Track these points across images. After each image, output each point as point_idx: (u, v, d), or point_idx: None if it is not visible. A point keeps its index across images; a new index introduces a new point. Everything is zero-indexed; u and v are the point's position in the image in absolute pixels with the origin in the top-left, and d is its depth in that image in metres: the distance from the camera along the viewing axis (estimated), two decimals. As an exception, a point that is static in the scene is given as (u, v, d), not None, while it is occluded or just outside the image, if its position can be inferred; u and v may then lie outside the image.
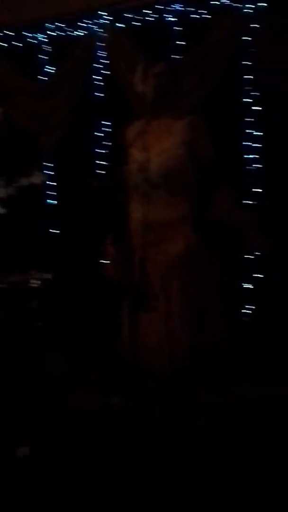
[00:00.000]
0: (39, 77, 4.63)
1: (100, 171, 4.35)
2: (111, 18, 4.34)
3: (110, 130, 4.41)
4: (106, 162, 4.39)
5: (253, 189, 4.05)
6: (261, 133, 4.02)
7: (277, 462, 2.26)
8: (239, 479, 2.16)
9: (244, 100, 4.01)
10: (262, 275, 4.08)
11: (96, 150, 4.44)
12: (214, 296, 2.88)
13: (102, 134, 4.44)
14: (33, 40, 4.59)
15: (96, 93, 4.47)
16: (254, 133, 4.03)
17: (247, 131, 4.04)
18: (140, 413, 2.30)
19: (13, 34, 4.60)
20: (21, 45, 4.64)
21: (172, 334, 2.76)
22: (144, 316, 2.55)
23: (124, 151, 2.74)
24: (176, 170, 2.79)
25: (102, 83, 4.47)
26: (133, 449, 2.20)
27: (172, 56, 4.15)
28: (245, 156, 4.05)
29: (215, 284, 2.91)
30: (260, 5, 3.90)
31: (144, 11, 4.23)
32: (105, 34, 4.39)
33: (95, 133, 4.45)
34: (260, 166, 4.04)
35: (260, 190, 4.04)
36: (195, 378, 2.75)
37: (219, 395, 2.77)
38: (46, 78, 4.65)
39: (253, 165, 4.05)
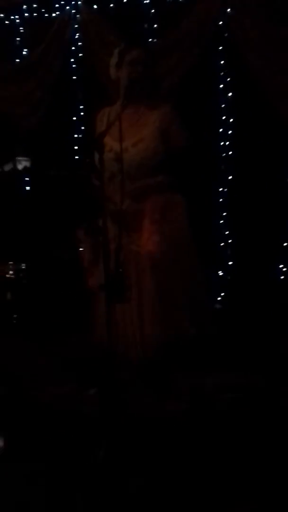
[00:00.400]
0: (16, 60, 4.55)
1: (75, 156, 4.33)
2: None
3: (83, 114, 4.38)
4: (80, 147, 4.39)
5: (226, 176, 4.11)
6: (233, 120, 4.05)
7: (248, 447, 2.35)
8: (210, 465, 2.23)
9: (217, 85, 4.03)
10: (232, 262, 4.17)
11: (70, 135, 4.41)
12: (187, 284, 2.94)
13: (75, 118, 4.41)
14: (7, 22, 4.49)
15: (70, 76, 4.42)
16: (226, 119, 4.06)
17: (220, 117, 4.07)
18: (114, 403, 2.35)
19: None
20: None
21: (144, 324, 2.82)
22: (118, 306, 2.60)
23: (96, 139, 2.72)
24: (152, 160, 2.80)
25: (75, 65, 4.42)
26: (107, 439, 2.26)
27: (147, 39, 4.13)
28: (219, 142, 4.09)
29: (189, 272, 2.97)
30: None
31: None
32: (79, 15, 4.32)
33: (69, 117, 4.41)
34: (232, 152, 4.08)
35: (230, 177, 4.10)
36: (168, 367, 2.82)
37: (191, 383, 2.84)
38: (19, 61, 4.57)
39: (226, 152, 4.09)
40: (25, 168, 3.57)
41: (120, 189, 2.65)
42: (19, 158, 3.63)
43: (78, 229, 2.85)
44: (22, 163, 3.62)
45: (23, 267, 2.42)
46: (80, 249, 2.91)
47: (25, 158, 3.67)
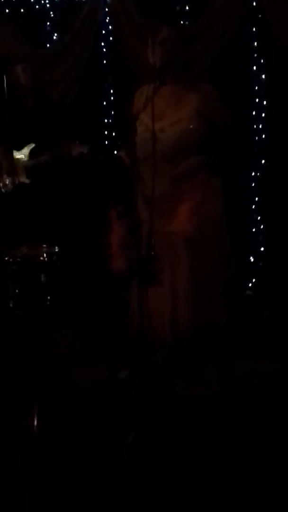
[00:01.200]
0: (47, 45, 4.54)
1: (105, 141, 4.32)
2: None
3: (113, 98, 4.35)
4: (110, 131, 4.36)
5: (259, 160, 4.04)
6: (266, 102, 3.97)
7: (277, 434, 2.33)
8: (242, 452, 2.22)
9: (250, 67, 3.95)
10: (263, 248, 4.11)
11: (100, 119, 4.40)
12: (222, 268, 2.91)
13: (105, 103, 4.39)
14: (38, 6, 4.48)
15: (100, 60, 4.39)
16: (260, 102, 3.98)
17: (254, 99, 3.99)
18: (147, 385, 2.36)
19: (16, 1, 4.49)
20: (23, 11, 4.53)
21: (177, 307, 2.81)
22: (152, 290, 2.60)
23: (132, 119, 2.69)
24: (190, 142, 2.76)
25: (106, 50, 4.38)
26: (139, 422, 2.27)
27: (179, 22, 4.07)
28: (251, 125, 4.02)
29: (224, 256, 2.94)
30: None
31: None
32: None
33: (100, 102, 4.39)
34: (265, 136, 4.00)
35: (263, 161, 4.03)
36: (199, 351, 2.82)
37: (222, 369, 2.83)
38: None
39: (259, 136, 4.02)
40: (81, 154, 3.57)
41: (153, 171, 2.63)
42: (75, 144, 3.61)
43: (111, 211, 2.85)
44: (78, 149, 3.60)
45: (56, 250, 2.44)
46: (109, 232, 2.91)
47: (82, 145, 3.66)
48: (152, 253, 2.47)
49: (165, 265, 2.73)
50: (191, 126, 2.76)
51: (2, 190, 3.76)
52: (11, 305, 2.42)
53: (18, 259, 2.41)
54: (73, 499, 2.01)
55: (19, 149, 3.79)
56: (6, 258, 2.41)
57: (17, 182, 3.75)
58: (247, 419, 2.45)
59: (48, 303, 2.41)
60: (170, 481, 2.06)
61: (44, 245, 2.53)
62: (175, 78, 2.80)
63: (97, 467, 2.16)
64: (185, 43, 3.00)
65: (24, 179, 3.77)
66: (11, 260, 2.41)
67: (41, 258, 2.46)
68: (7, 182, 3.76)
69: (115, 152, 3.05)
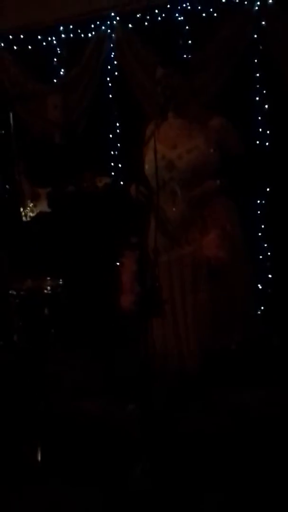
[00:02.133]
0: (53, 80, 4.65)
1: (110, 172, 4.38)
2: (120, 18, 4.34)
3: (119, 131, 4.43)
4: (115, 162, 4.42)
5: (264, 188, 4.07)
6: (269, 131, 4.01)
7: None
8: (253, 482, 2.18)
9: (253, 98, 4.01)
10: (271, 275, 4.10)
11: (107, 152, 4.47)
12: (241, 295, 2.89)
13: (111, 136, 4.46)
14: (44, 43, 4.61)
15: (106, 94, 4.48)
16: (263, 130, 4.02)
17: (257, 128, 4.03)
18: (154, 419, 2.34)
19: (25, 37, 4.62)
20: (30, 47, 4.66)
21: (181, 339, 2.79)
22: (162, 320, 2.59)
23: (142, 151, 2.74)
24: (207, 167, 2.79)
25: (111, 84, 4.48)
26: (147, 454, 2.24)
27: (182, 55, 4.15)
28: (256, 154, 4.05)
29: (243, 282, 2.92)
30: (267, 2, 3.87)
31: (154, 10, 4.23)
32: (114, 35, 4.39)
33: (105, 134, 4.47)
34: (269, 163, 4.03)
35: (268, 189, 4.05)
36: (208, 381, 2.78)
37: (232, 399, 2.79)
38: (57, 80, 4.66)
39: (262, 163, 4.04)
40: (105, 184, 3.65)
41: (171, 197, 2.64)
42: (99, 177, 3.70)
43: (124, 245, 2.85)
44: (102, 181, 3.68)
45: (61, 282, 2.45)
46: (120, 266, 2.92)
47: (105, 177, 3.74)
48: (157, 284, 2.47)
49: (187, 290, 2.72)
50: (207, 152, 2.79)
51: (24, 218, 3.84)
52: (15, 338, 2.44)
53: (22, 292, 2.42)
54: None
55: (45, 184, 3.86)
56: (11, 292, 2.42)
57: (38, 211, 3.83)
58: (258, 451, 2.41)
59: (52, 336, 2.42)
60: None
61: (49, 278, 2.55)
62: (182, 111, 2.85)
63: (101, 499, 2.13)
64: (189, 75, 3.05)
65: (45, 208, 3.85)
66: (15, 293, 2.43)
67: (45, 291, 2.47)
68: (29, 211, 3.84)
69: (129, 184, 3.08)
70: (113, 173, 4.41)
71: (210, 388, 2.82)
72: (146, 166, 2.77)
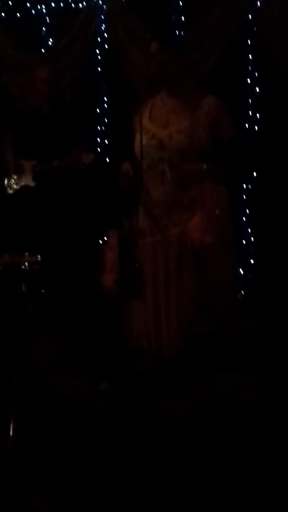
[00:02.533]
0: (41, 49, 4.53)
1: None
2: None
3: (107, 106, 4.34)
4: (102, 137, 4.34)
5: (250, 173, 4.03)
6: (259, 115, 3.96)
7: (257, 451, 2.30)
8: (218, 466, 2.20)
9: (244, 80, 3.95)
10: (253, 260, 4.09)
11: (93, 125, 4.38)
12: (225, 278, 2.88)
13: (98, 110, 4.38)
14: (34, 11, 4.48)
15: (95, 67, 4.38)
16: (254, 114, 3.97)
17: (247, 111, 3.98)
18: (127, 397, 2.33)
19: (13, 5, 4.48)
20: (19, 15, 4.52)
21: (162, 322, 2.78)
22: (150, 300, 2.57)
23: (133, 130, 2.67)
24: (197, 148, 2.74)
25: (101, 57, 4.38)
26: (117, 432, 2.24)
27: (174, 32, 4.07)
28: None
29: (228, 267, 2.91)
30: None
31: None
32: (106, 6, 4.28)
33: (92, 108, 4.38)
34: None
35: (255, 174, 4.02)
36: (184, 365, 2.78)
37: (207, 383, 2.80)
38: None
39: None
40: (91, 161, 3.57)
41: (160, 177, 2.61)
42: (85, 153, 3.62)
43: (109, 224, 2.81)
44: (88, 157, 3.61)
45: (39, 259, 2.41)
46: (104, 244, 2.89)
47: (90, 153, 3.65)
48: (136, 265, 2.44)
49: (172, 273, 2.69)
50: (199, 134, 2.74)
51: (9, 191, 3.76)
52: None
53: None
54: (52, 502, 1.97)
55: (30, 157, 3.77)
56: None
57: (22, 184, 3.75)
58: (226, 435, 2.42)
59: (28, 313, 2.38)
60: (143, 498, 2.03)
61: (27, 254, 2.50)
62: (175, 89, 2.79)
63: (75, 472, 2.13)
64: (181, 53, 2.99)
65: (29, 182, 3.77)
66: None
67: (23, 267, 2.43)
68: (13, 183, 3.75)
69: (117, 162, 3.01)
70: (99, 149, 4.33)
71: (186, 372, 2.82)
72: (136, 145, 2.72)
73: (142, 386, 2.59)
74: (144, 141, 2.58)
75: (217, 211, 2.80)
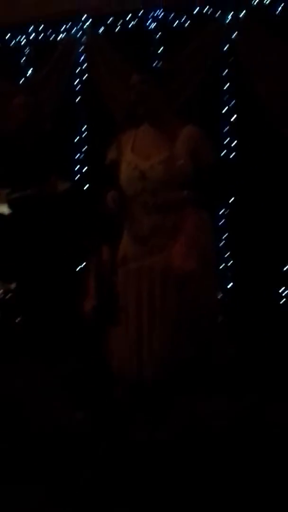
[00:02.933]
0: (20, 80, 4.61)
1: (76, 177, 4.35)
2: (92, 23, 4.34)
3: (85, 135, 4.41)
4: (81, 167, 4.40)
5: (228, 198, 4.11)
6: (236, 142, 4.05)
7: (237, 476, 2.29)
8: (197, 492, 2.18)
9: (221, 107, 4.05)
10: (231, 284, 4.14)
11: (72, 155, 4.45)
12: (207, 305, 2.90)
13: (77, 138, 4.45)
14: (13, 42, 4.57)
15: (74, 97, 4.46)
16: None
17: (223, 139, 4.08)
18: (107, 426, 2.31)
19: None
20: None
21: (143, 348, 2.77)
22: (133, 326, 2.58)
23: (115, 161, 2.72)
24: (179, 178, 2.79)
25: (80, 87, 4.46)
26: (95, 461, 2.22)
27: (152, 63, 4.17)
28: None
29: (210, 293, 2.93)
30: (239, 14, 3.93)
31: (125, 17, 4.24)
32: (85, 38, 4.38)
33: (71, 137, 4.45)
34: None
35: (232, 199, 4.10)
36: (165, 391, 2.77)
37: (186, 408, 2.79)
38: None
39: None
40: (65, 190, 3.60)
41: (144, 208, 2.66)
42: (59, 181, 3.64)
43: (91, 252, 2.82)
44: (63, 185, 3.63)
45: (13, 287, 2.39)
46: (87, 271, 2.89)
47: (64, 182, 3.68)
48: (114, 292, 2.45)
49: (156, 300, 2.71)
50: (181, 162, 2.80)
51: None
52: None
53: None
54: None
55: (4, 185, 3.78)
56: None
57: None
58: (207, 461, 2.41)
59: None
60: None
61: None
62: (156, 120, 2.85)
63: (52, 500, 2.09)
64: (161, 84, 3.05)
65: (4, 210, 3.77)
66: None
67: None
68: None
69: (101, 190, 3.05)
70: (78, 177, 4.38)
71: (167, 398, 2.81)
72: (121, 176, 2.76)
73: (121, 414, 2.58)
74: (127, 172, 2.64)
75: (197, 237, 2.84)
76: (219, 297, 3.92)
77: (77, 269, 3.64)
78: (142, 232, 2.67)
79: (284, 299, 4.02)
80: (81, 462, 2.23)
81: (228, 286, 4.14)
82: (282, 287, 4.02)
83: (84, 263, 3.05)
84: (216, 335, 3.19)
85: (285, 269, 4.00)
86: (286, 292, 4.02)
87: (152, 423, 2.69)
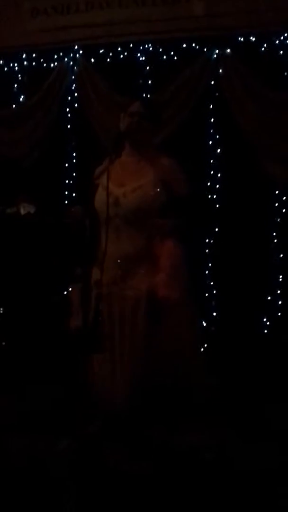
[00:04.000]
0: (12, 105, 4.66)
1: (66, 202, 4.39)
2: (84, 52, 4.43)
3: (75, 161, 4.47)
4: (71, 192, 4.45)
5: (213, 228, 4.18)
6: (220, 175, 4.14)
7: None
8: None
9: (207, 142, 4.15)
10: (216, 313, 4.18)
11: (62, 181, 4.50)
12: (187, 335, 2.92)
13: (67, 165, 4.50)
14: (6, 69, 4.64)
15: (64, 124, 4.53)
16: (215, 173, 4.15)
17: (208, 171, 4.16)
18: (85, 457, 2.31)
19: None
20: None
21: (116, 376, 2.78)
22: (108, 356, 2.59)
23: (94, 186, 2.79)
24: (149, 207, 2.85)
25: (70, 115, 4.53)
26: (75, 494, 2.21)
27: (141, 94, 4.26)
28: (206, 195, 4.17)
29: (190, 322, 2.95)
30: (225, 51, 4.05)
31: (117, 48, 4.34)
32: (76, 67, 4.46)
33: (62, 164, 4.50)
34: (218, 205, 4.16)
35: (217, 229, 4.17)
36: (146, 419, 2.77)
37: (164, 440, 2.79)
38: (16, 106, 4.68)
39: (213, 205, 4.18)
40: (28, 213, 3.59)
41: (116, 233, 2.70)
42: (24, 204, 3.63)
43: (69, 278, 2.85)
44: (26, 208, 3.62)
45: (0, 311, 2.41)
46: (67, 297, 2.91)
47: (30, 205, 3.66)
48: (99, 318, 2.48)
49: (126, 327, 2.73)
50: (152, 193, 2.86)
51: None
52: None
53: None
54: None
55: None
56: None
57: None
58: (184, 494, 2.41)
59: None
60: None
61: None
62: (136, 149, 2.91)
63: None
64: (152, 115, 3.12)
65: None
66: None
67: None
68: None
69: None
70: (66, 202, 4.43)
71: (141, 429, 2.81)
72: (96, 199, 2.82)
73: (98, 445, 2.57)
74: (101, 198, 2.71)
75: (175, 267, 2.88)
76: (202, 326, 3.96)
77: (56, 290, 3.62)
78: (114, 257, 2.71)
79: (267, 328, 4.07)
80: (63, 491, 2.22)
81: (213, 315, 4.18)
82: (266, 316, 4.08)
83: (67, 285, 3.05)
84: (197, 365, 3.22)
85: (268, 298, 4.07)
86: (269, 321, 4.08)
87: (130, 455, 2.69)
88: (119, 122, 2.94)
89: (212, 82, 4.12)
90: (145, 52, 4.30)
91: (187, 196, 2.94)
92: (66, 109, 4.51)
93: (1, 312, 2.34)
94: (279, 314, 4.05)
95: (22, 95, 4.65)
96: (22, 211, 3.39)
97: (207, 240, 4.20)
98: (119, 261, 2.78)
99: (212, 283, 4.21)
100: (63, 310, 2.96)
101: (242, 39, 4.02)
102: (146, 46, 4.28)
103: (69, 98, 4.51)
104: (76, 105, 4.50)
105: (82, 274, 2.73)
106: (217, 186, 4.14)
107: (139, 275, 2.80)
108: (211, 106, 4.14)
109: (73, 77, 4.48)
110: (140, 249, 2.83)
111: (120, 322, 2.78)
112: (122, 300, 2.75)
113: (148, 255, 2.84)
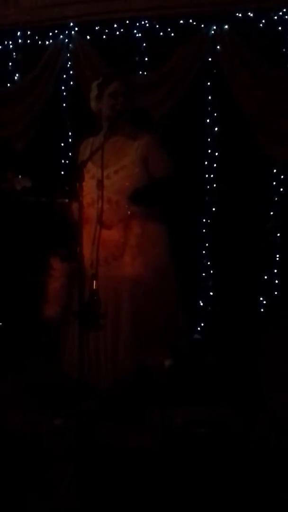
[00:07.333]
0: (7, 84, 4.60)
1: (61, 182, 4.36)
2: (79, 29, 4.36)
3: (70, 140, 4.43)
4: (66, 173, 4.42)
5: (210, 208, 4.16)
6: (218, 153, 4.10)
7: (218, 485, 2.31)
8: (180, 500, 2.20)
9: (204, 119, 4.10)
10: (213, 293, 4.18)
11: (57, 160, 4.46)
12: (165, 312, 2.95)
13: (62, 144, 4.46)
14: (1, 46, 4.57)
15: (60, 103, 4.48)
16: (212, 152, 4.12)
17: (206, 150, 4.12)
18: (82, 433, 2.32)
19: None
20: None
21: (118, 351, 2.81)
22: (92, 334, 2.60)
23: (78, 166, 2.78)
24: (133, 187, 2.84)
25: (66, 93, 4.48)
26: (75, 469, 2.22)
27: (138, 72, 4.21)
28: (204, 174, 4.14)
29: (168, 300, 2.98)
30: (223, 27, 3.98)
31: (113, 25, 4.26)
32: (72, 44, 4.40)
33: (57, 143, 4.46)
34: (216, 185, 4.13)
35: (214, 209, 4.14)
36: (139, 398, 2.79)
37: (162, 416, 2.81)
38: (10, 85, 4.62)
39: (210, 184, 4.14)
40: (24, 188, 3.51)
41: (100, 215, 2.70)
42: (19, 178, 3.54)
43: (53, 255, 2.85)
44: (22, 183, 3.54)
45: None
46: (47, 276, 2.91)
47: (25, 179, 3.57)
48: (95, 297, 2.48)
49: (109, 308, 2.75)
50: (135, 171, 2.85)
51: None
52: None
53: None
54: None
55: None
56: None
57: None
58: (184, 469, 2.43)
59: None
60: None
61: None
62: (122, 128, 2.89)
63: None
64: (133, 94, 3.09)
65: None
66: None
67: None
68: None
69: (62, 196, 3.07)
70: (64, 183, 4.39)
71: (139, 405, 2.83)
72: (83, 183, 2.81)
73: (94, 423, 2.59)
74: (86, 180, 2.67)
75: (155, 249, 2.89)
76: (198, 304, 3.96)
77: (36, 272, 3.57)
78: (97, 240, 2.72)
79: (264, 308, 4.08)
80: (60, 468, 2.24)
81: (210, 294, 4.18)
82: (263, 295, 4.08)
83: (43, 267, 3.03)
84: (190, 342, 3.24)
85: (266, 277, 4.06)
86: (266, 300, 4.08)
87: (127, 431, 2.71)
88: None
89: (210, 59, 4.05)
90: (141, 28, 4.23)
91: (163, 179, 2.91)
92: (61, 87, 4.45)
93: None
94: (276, 293, 4.05)
95: (17, 73, 4.59)
96: (18, 187, 3.35)
97: (204, 220, 4.17)
98: (102, 243, 2.78)
99: (209, 263, 4.20)
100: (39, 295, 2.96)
101: (240, 15, 3.95)
102: (143, 22, 4.20)
103: (64, 76, 4.45)
104: (71, 83, 4.44)
105: (68, 255, 2.73)
106: (215, 165, 4.10)
107: (119, 256, 2.82)
108: (208, 83, 4.08)
109: (68, 54, 4.41)
110: (121, 232, 2.84)
111: (104, 304, 2.80)
112: (106, 281, 2.77)
113: (133, 237, 2.86)
